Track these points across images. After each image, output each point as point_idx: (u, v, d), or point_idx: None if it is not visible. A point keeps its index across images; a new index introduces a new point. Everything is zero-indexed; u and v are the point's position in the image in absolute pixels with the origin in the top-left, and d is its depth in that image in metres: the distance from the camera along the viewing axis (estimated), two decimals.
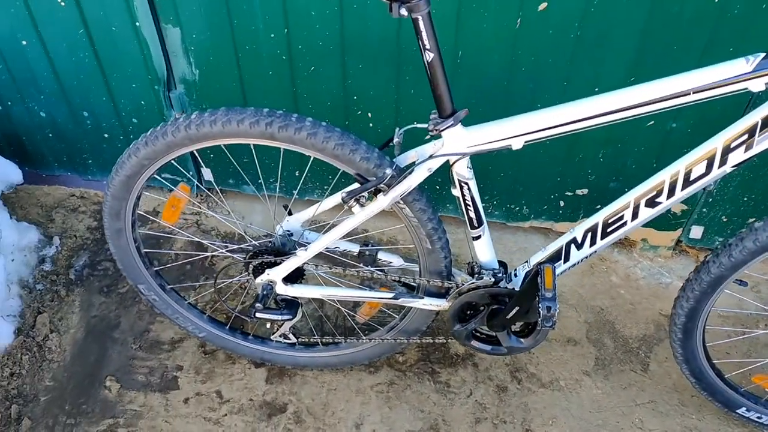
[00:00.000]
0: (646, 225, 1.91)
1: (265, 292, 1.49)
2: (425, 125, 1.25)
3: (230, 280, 1.87)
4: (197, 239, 1.90)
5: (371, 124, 1.87)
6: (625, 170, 1.86)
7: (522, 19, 1.57)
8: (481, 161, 1.88)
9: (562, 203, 2.01)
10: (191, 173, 2.10)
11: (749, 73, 1.06)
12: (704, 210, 1.91)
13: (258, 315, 1.50)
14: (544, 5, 1.53)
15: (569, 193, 1.96)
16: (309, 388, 1.77)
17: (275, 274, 1.46)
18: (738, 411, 1.64)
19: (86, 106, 1.98)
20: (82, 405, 1.73)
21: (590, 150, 1.83)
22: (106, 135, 2.06)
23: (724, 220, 1.91)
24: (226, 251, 1.61)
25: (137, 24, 1.74)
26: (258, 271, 1.50)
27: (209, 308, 1.88)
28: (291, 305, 1.53)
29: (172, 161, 1.38)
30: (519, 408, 1.73)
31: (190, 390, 1.76)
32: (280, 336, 1.64)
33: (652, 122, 1.72)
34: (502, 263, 1.48)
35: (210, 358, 1.83)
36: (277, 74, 1.80)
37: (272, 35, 1.71)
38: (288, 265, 1.44)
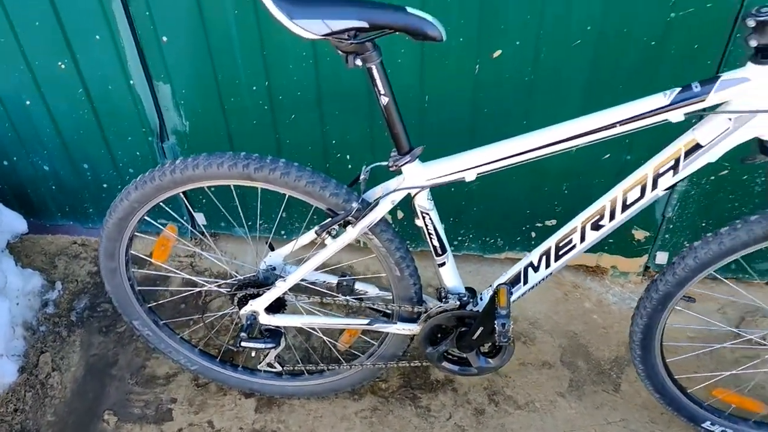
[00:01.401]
0: (615, 252, 2.05)
1: (249, 322, 1.60)
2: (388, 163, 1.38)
3: (218, 314, 1.98)
4: (186, 276, 2.01)
5: (350, 166, 2.01)
6: (590, 200, 1.97)
7: (480, 66, 1.72)
8: (454, 197, 2.02)
9: (533, 234, 2.12)
10: (185, 218, 2.24)
11: (667, 106, 1.20)
12: (667, 236, 2.02)
13: (243, 344, 1.61)
14: (498, 53, 1.69)
15: (539, 225, 2.08)
16: (296, 416, 1.86)
17: (258, 305, 1.58)
18: (703, 425, 1.71)
19: (86, 158, 2.13)
20: None
21: (555, 183, 1.96)
22: (104, 185, 2.20)
23: (686, 244, 2.01)
24: (214, 286, 1.73)
25: (131, 82, 1.90)
26: (243, 303, 1.61)
27: (202, 343, 1.98)
28: (274, 334, 1.64)
29: (166, 208, 1.51)
30: (496, 429, 1.82)
31: (184, 421, 1.85)
32: (266, 365, 1.74)
33: (609, 155, 1.86)
34: (470, 289, 1.60)
35: (202, 391, 1.93)
36: (260, 123, 1.95)
37: (254, 88, 1.87)
38: (269, 296, 1.56)
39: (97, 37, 1.80)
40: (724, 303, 2.04)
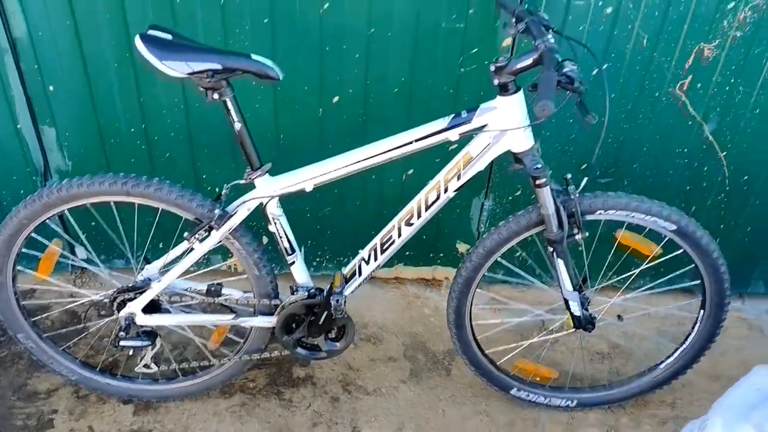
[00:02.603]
0: (446, 265, 2.47)
1: (127, 323, 1.85)
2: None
3: (100, 322, 2.17)
4: (70, 288, 2.19)
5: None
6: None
7: (323, 109, 2.14)
8: (311, 222, 2.37)
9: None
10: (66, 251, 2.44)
11: (446, 128, 1.65)
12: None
13: (122, 342, 1.85)
14: (336, 99, 2.11)
15: None
16: (171, 416, 2.09)
17: (135, 306, 1.84)
18: (511, 392, 2.13)
19: None
20: None
21: (392, 207, 2.35)
22: None
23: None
24: (96, 296, 1.96)
25: (18, 126, 2.14)
26: (121, 308, 1.86)
27: (84, 356, 2.17)
28: (150, 335, 1.90)
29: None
30: (348, 412, 2.14)
31: (65, 428, 2.02)
32: (143, 366, 1.97)
33: (412, 170, 2.28)
34: (319, 288, 1.94)
35: (83, 401, 2.11)
36: (138, 161, 2.24)
37: (132, 129, 2.17)
38: (145, 297, 1.83)
39: None
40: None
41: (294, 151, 2.22)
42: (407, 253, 2.53)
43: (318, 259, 2.53)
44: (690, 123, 2.13)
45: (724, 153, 2.19)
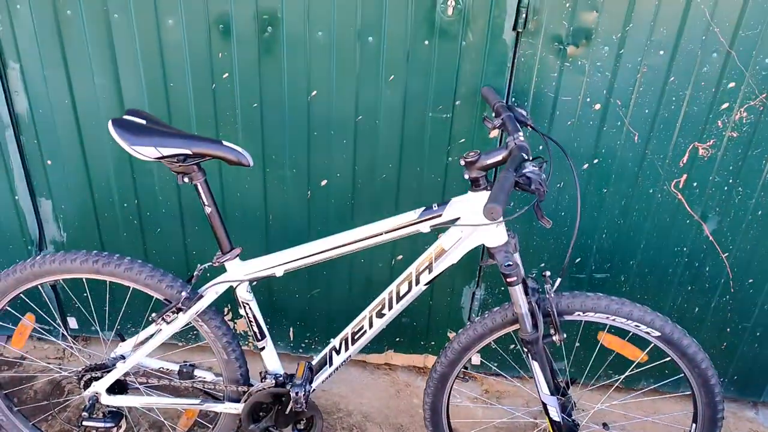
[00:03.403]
0: (437, 353, 2.39)
1: (91, 403, 1.82)
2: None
3: (69, 399, 2.15)
4: (39, 363, 2.19)
5: (209, 274, 2.32)
6: (411, 308, 2.36)
7: (311, 192, 2.14)
8: (300, 303, 2.34)
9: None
10: (57, 322, 2.45)
11: (416, 220, 1.61)
12: None
13: (84, 423, 1.82)
14: (324, 182, 2.11)
15: None
16: None
17: (99, 386, 1.81)
18: None
19: None
20: None
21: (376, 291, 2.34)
22: None
23: (492, 348, 2.39)
24: (64, 372, 1.95)
25: (16, 197, 2.20)
26: (88, 386, 1.84)
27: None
28: (115, 416, 1.86)
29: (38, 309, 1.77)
30: None
31: None
32: None
33: (401, 256, 2.24)
34: (291, 375, 1.89)
35: None
36: (130, 235, 2.27)
37: (125, 205, 2.21)
38: (109, 378, 1.80)
39: None
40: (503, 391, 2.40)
41: (283, 231, 2.21)
42: (398, 339, 2.46)
43: (307, 341, 2.48)
44: (688, 221, 2.05)
45: (726, 254, 2.10)
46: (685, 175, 1.97)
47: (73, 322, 2.50)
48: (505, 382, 2.48)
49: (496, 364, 2.36)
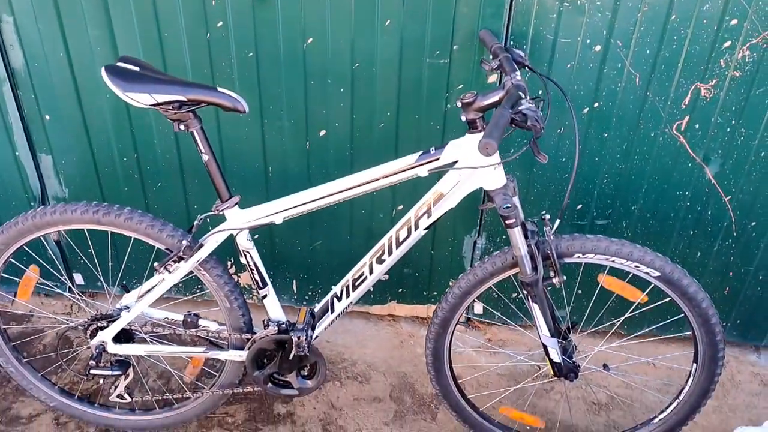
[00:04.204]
0: (436, 303, 2.39)
1: (98, 352, 1.85)
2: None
3: (76, 351, 2.19)
4: (46, 315, 2.22)
5: (210, 228, 2.33)
6: (413, 258, 2.38)
7: (310, 142, 2.13)
8: (302, 255, 2.35)
9: (371, 288, 2.46)
10: (63, 277, 2.48)
11: (414, 164, 1.61)
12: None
13: (92, 371, 1.85)
14: (323, 132, 2.10)
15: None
16: None
17: (105, 335, 1.84)
18: None
19: None
20: None
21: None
22: None
23: (495, 295, 2.40)
24: (71, 324, 1.97)
25: (17, 153, 2.21)
26: (94, 336, 1.87)
27: (66, 384, 2.18)
28: (122, 364, 1.89)
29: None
30: None
31: None
32: (117, 396, 1.96)
33: (402, 206, 2.24)
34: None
35: (62, 428, 2.11)
36: (131, 189, 2.28)
37: (125, 159, 2.21)
38: (115, 327, 1.82)
39: None
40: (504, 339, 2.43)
41: (283, 183, 2.21)
42: (400, 290, 2.48)
43: (310, 293, 2.50)
44: (690, 165, 2.03)
45: (729, 197, 2.08)
46: (687, 117, 1.94)
47: (79, 278, 2.53)
48: (508, 330, 2.50)
49: (499, 312, 2.38)
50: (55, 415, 2.14)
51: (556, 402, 2.26)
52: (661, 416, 1.93)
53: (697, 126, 1.96)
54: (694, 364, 1.81)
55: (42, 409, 2.15)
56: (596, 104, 1.95)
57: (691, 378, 1.83)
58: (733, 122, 1.94)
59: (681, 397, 1.88)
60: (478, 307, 2.45)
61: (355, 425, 2.17)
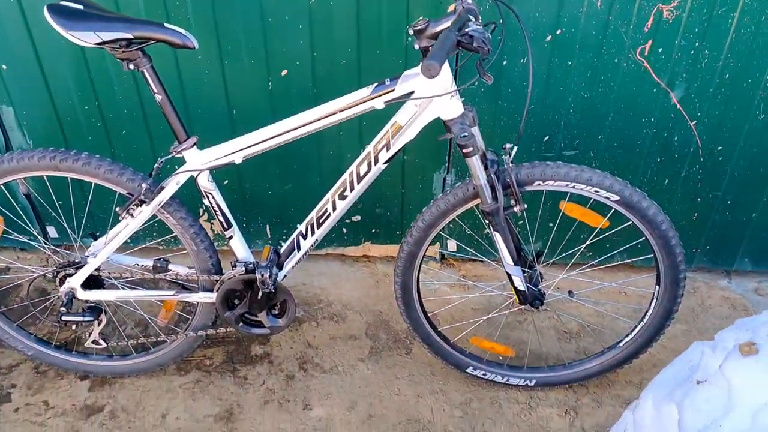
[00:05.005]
0: None
1: (68, 299, 1.86)
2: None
3: (49, 298, 2.20)
4: (15, 264, 2.22)
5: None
6: (384, 198, 2.38)
7: (272, 82, 2.10)
8: (274, 201, 2.35)
9: (344, 230, 2.49)
10: (37, 231, 2.47)
11: (369, 95, 1.59)
12: (451, 226, 2.42)
13: (63, 318, 1.86)
14: (285, 72, 2.07)
15: (347, 221, 2.45)
16: (125, 392, 2.10)
17: (74, 282, 1.84)
18: (467, 370, 2.07)
19: None
20: None
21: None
22: None
23: (468, 233, 2.42)
24: (40, 273, 1.98)
25: None
26: (63, 283, 1.87)
27: (48, 332, 2.21)
28: (93, 310, 1.91)
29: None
30: (302, 390, 2.11)
31: (21, 401, 2.06)
32: (92, 342, 1.98)
33: None
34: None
35: (41, 376, 2.14)
36: (95, 139, 2.25)
37: (86, 107, 2.18)
38: (83, 273, 1.83)
39: None
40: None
41: (247, 124, 2.17)
42: (373, 230, 2.49)
43: (284, 237, 2.51)
44: (655, 90, 2.02)
45: (695, 122, 2.08)
46: (650, 41, 1.92)
47: (52, 231, 2.52)
48: (482, 266, 2.53)
49: (472, 249, 2.39)
50: (35, 364, 2.17)
51: (528, 333, 2.30)
52: (626, 339, 1.97)
53: (660, 50, 1.94)
54: (657, 287, 1.84)
55: (21, 359, 2.18)
56: (558, 31, 1.92)
57: (654, 300, 1.86)
58: (697, 44, 1.92)
59: (645, 320, 1.92)
60: (452, 245, 2.47)
61: (331, 362, 2.21)
